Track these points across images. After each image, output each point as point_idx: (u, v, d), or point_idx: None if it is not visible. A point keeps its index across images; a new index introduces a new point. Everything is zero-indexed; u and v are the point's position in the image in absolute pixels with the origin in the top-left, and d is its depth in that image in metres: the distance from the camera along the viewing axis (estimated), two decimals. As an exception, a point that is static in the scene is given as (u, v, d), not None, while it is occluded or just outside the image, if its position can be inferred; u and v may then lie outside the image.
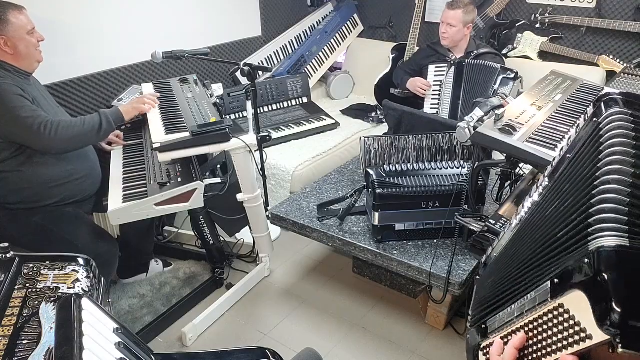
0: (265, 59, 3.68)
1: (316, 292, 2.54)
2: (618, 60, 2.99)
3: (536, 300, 0.70)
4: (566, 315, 0.63)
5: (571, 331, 0.61)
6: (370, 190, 2.01)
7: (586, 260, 0.61)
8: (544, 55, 3.24)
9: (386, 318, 2.35)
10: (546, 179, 0.93)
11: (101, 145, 2.36)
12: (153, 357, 1.16)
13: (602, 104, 0.81)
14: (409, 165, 2.06)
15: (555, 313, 0.65)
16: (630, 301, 0.56)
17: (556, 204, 0.83)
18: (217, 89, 2.62)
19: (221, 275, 2.57)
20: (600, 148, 0.74)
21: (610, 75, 3.01)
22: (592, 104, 0.85)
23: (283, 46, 3.78)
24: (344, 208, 2.15)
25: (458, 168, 2.03)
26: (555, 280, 0.66)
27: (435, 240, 2.02)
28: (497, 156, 1.92)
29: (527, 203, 0.95)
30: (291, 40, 3.83)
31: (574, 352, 0.61)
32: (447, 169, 2.03)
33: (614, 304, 0.55)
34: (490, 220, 1.74)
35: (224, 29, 3.42)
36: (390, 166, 2.06)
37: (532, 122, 1.76)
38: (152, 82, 2.75)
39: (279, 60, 3.74)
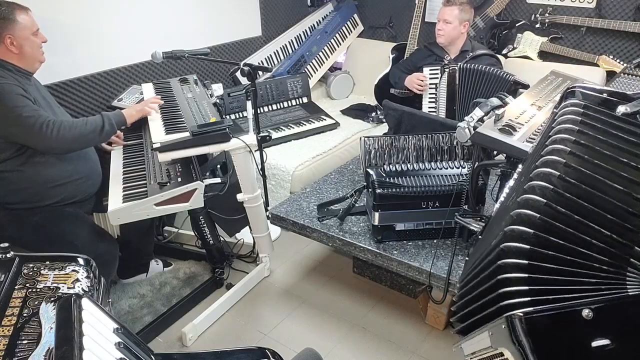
0: (265, 59, 3.68)
1: (316, 292, 2.54)
2: (618, 60, 2.99)
3: (484, 344, 0.78)
4: None
5: None
6: (370, 190, 2.01)
7: (503, 326, 0.69)
8: (544, 55, 3.24)
9: (386, 318, 2.35)
10: (521, 165, 1.01)
11: (101, 145, 2.36)
12: (153, 357, 1.16)
13: (564, 97, 0.85)
14: (409, 165, 2.06)
15: (501, 358, 0.74)
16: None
17: (514, 193, 0.88)
18: (217, 89, 2.62)
19: (221, 275, 2.57)
20: (550, 134, 0.79)
21: (610, 75, 3.01)
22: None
23: (283, 46, 3.78)
24: (344, 208, 2.15)
25: (458, 168, 2.03)
26: (491, 333, 0.75)
27: (435, 240, 2.02)
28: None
29: (506, 188, 1.01)
30: (291, 40, 3.83)
31: None
32: (447, 169, 2.03)
33: None
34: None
35: (224, 29, 3.42)
36: (390, 166, 2.06)
37: (532, 122, 1.76)
38: (152, 82, 2.75)
39: (279, 60, 3.74)
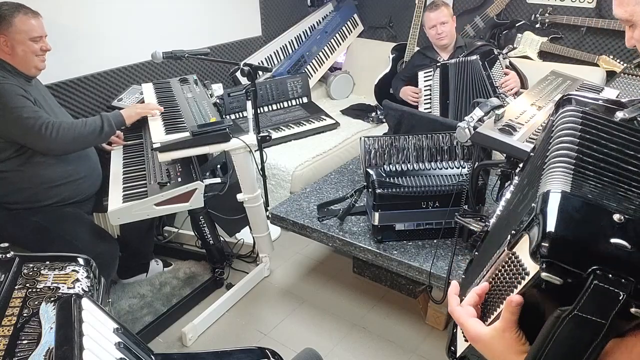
0: (265, 59, 3.68)
1: (316, 292, 2.54)
2: (618, 60, 2.99)
3: (498, 254, 0.73)
4: (516, 261, 0.66)
5: (517, 272, 0.65)
6: (370, 190, 2.01)
7: (532, 204, 0.64)
8: (544, 55, 3.24)
9: (386, 318, 2.35)
10: (516, 177, 0.99)
11: (101, 145, 2.36)
12: (153, 357, 1.16)
13: (560, 105, 0.85)
14: (409, 165, 2.06)
15: (509, 261, 0.69)
16: (561, 231, 0.59)
17: (517, 196, 0.87)
18: (217, 89, 2.62)
19: (221, 275, 2.57)
20: (550, 136, 0.77)
21: (610, 75, 3.01)
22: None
23: (283, 46, 3.78)
24: (344, 208, 2.15)
25: (458, 168, 2.03)
26: (512, 232, 0.69)
27: (435, 240, 2.02)
28: (497, 156, 1.92)
29: (502, 202, 1.00)
30: (291, 40, 3.83)
31: (519, 292, 0.64)
32: (447, 169, 2.03)
33: (546, 233, 0.58)
34: (490, 220, 1.74)
35: (224, 29, 3.42)
36: (390, 166, 2.06)
37: (532, 122, 1.76)
38: (152, 82, 2.75)
39: (279, 60, 3.74)
